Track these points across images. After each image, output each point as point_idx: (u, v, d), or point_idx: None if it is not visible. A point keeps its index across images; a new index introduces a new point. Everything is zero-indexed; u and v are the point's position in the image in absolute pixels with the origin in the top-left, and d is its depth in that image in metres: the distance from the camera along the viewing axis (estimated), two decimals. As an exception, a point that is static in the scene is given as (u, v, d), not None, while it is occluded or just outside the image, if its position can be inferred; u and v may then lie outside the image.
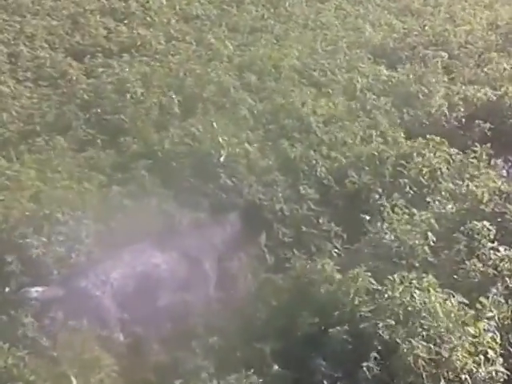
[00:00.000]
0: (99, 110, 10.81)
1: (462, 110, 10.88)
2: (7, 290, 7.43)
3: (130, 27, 13.62)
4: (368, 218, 8.38)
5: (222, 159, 9.23)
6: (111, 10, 14.40)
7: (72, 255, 7.66)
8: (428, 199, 9.01)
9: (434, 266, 7.90)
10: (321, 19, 14.40)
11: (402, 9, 15.27)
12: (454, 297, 7.25)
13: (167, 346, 7.31)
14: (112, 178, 9.33)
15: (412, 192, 9.21)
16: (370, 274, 7.43)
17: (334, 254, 8.25)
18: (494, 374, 6.54)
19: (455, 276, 7.75)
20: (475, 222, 7.86)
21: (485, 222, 7.83)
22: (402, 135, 10.05)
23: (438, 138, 9.73)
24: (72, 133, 10.32)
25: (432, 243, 7.93)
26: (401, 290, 7.11)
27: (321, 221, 8.77)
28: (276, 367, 6.97)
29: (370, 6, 15.27)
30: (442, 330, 6.82)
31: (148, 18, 14.04)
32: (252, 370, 6.84)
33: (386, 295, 7.14)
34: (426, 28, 13.63)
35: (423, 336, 6.81)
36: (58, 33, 13.42)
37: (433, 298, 7.08)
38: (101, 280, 7.23)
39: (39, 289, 7.04)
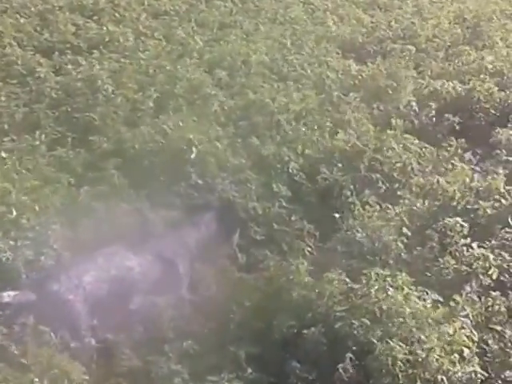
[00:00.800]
0: (69, 108, 10.43)
1: (431, 104, 10.63)
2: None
3: (98, 24, 13.21)
4: (338, 215, 8.11)
5: (192, 156, 8.90)
6: (80, 6, 13.95)
7: (41, 258, 7.29)
8: (399, 194, 8.78)
9: (408, 263, 7.68)
10: (289, 14, 14.09)
11: (370, 3, 14.99)
12: (427, 294, 7.05)
13: (140, 350, 7.00)
14: (82, 177, 8.98)
15: (384, 187, 8.97)
16: (344, 272, 7.20)
17: (307, 253, 7.95)
18: (473, 375, 6.30)
19: (428, 273, 7.54)
20: (448, 219, 7.64)
21: (457, 218, 7.62)
22: (372, 130, 9.78)
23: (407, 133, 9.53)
24: (41, 131, 9.90)
25: (405, 239, 7.70)
26: (376, 287, 6.86)
27: (293, 218, 8.47)
28: (250, 371, 6.70)
29: (338, 0, 14.99)
30: (418, 329, 6.59)
31: (117, 15, 13.62)
32: (226, 374, 6.57)
33: (360, 293, 6.90)
34: (393, 22, 13.36)
35: (399, 336, 6.58)
36: (27, 30, 12.95)
37: (407, 297, 6.86)
38: (74, 284, 6.90)
39: (11, 293, 6.70)
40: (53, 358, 6.52)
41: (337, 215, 8.21)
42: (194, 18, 13.71)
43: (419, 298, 6.96)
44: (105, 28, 12.91)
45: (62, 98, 10.71)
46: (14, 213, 7.83)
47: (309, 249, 8.03)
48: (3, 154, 9.38)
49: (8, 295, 6.65)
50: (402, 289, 6.93)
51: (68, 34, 12.84)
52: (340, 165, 9.10)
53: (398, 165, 9.10)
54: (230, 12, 14.09)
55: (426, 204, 8.18)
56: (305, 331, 6.76)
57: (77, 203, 8.39)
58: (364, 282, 6.88)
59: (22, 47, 12.38)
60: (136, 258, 7.22)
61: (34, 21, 13.39)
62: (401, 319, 6.71)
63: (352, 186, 8.91)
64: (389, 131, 9.61)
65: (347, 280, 7.08)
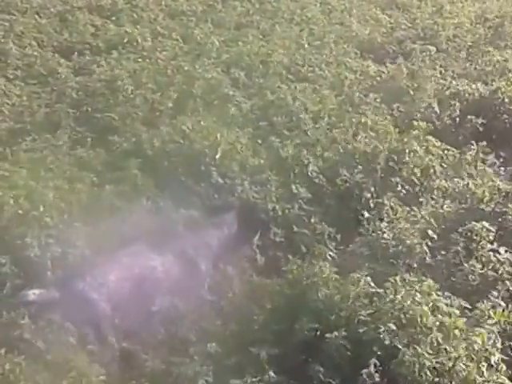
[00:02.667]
0: (89, 108, 10.26)
1: (454, 105, 10.37)
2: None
3: (117, 24, 13.05)
4: (367, 215, 7.86)
5: (217, 157, 8.68)
6: (98, 7, 13.82)
7: (66, 256, 7.13)
8: (421, 198, 8.55)
9: (432, 267, 7.44)
10: (306, 14, 13.88)
11: (388, 3, 14.75)
12: (454, 300, 6.81)
13: (162, 351, 6.82)
14: (103, 177, 8.79)
15: (404, 190, 8.74)
16: (368, 276, 6.97)
17: (329, 257, 7.72)
18: (500, 386, 6.05)
19: (453, 278, 7.30)
20: (474, 222, 7.38)
21: (484, 223, 7.35)
22: (393, 132, 9.54)
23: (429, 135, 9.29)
24: (61, 131, 9.74)
25: (430, 243, 7.46)
26: (402, 293, 6.62)
27: (313, 220, 8.25)
28: (273, 374, 6.48)
29: (356, 0, 14.76)
30: (444, 336, 6.35)
31: (135, 15, 13.47)
32: (249, 378, 6.36)
33: (387, 299, 6.65)
34: (415, 22, 13.09)
35: (425, 342, 6.34)
36: (47, 31, 12.83)
37: (434, 303, 6.63)
38: (98, 283, 6.75)
39: (36, 291, 6.56)
40: (74, 356, 6.36)
41: (365, 214, 7.92)
42: (210, 18, 13.54)
43: (446, 304, 6.72)
44: (123, 28, 12.76)
45: (82, 98, 10.55)
46: (40, 210, 7.69)
47: (330, 252, 7.79)
48: (25, 154, 9.27)
49: (33, 293, 6.53)
50: (430, 294, 6.68)
51: (87, 34, 12.71)
52: (360, 167, 8.86)
53: (420, 167, 8.82)
54: (247, 12, 13.90)
55: (451, 207, 7.92)
56: (328, 335, 6.53)
57: (100, 202, 8.20)
58: (390, 287, 6.64)
59: (42, 47, 12.25)
60: (159, 258, 7.06)
61: (53, 21, 13.26)
62: (428, 326, 6.47)
63: (372, 189, 8.67)
64: (410, 133, 9.34)
65: (372, 284, 6.84)
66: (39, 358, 6.40)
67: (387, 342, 6.30)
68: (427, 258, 7.38)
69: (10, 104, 10.37)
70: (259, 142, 9.51)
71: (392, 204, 8.16)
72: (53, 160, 9.09)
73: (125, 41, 12.44)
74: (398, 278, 6.66)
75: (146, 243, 7.12)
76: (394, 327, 6.36)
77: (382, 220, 7.73)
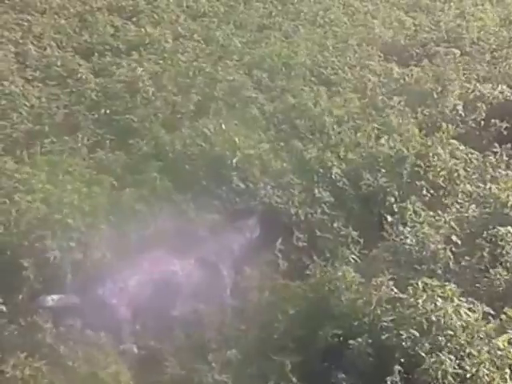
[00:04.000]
0: (108, 110, 10.35)
1: (478, 108, 10.38)
2: (21, 297, 7.05)
3: (137, 25, 13.14)
4: (390, 219, 7.88)
5: (234, 161, 8.74)
6: (118, 7, 13.95)
7: (87, 261, 7.21)
8: (446, 202, 8.57)
9: (456, 273, 7.46)
10: (329, 16, 13.91)
11: (412, 5, 14.79)
12: (477, 306, 6.83)
13: (182, 357, 6.87)
14: (123, 180, 8.86)
15: (429, 194, 8.76)
16: (390, 281, 7.01)
17: (352, 261, 7.77)
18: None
19: (477, 284, 7.32)
20: (498, 227, 7.40)
21: (509, 227, 7.37)
22: (417, 135, 9.56)
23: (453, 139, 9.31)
24: (80, 133, 9.82)
25: (454, 248, 7.49)
26: (424, 298, 6.66)
27: (335, 225, 8.29)
28: (295, 380, 6.53)
29: (379, 2, 14.79)
30: (468, 342, 6.38)
31: (155, 16, 13.57)
32: (271, 384, 6.42)
33: (408, 304, 6.70)
34: (439, 24, 13.11)
35: (448, 349, 6.37)
36: (66, 31, 12.95)
37: (457, 308, 6.65)
38: (118, 288, 6.80)
39: (55, 296, 6.62)
40: (101, 358, 6.43)
41: (389, 218, 7.94)
42: (232, 19, 13.60)
43: (469, 309, 6.75)
44: (144, 30, 12.85)
45: (102, 100, 10.60)
46: (60, 214, 7.78)
47: (353, 256, 7.83)
48: (44, 156, 9.37)
49: (52, 299, 6.59)
50: (452, 300, 6.71)
51: (107, 35, 12.79)
52: (384, 170, 8.89)
53: (444, 171, 8.84)
54: (269, 14, 13.96)
55: (476, 212, 7.94)
56: (351, 341, 6.57)
57: (120, 206, 8.27)
58: (411, 292, 6.67)
59: (62, 48, 12.36)
60: (180, 263, 7.10)
61: (73, 22, 13.38)
62: (450, 331, 6.50)
63: (396, 193, 8.70)
64: (434, 136, 9.37)
65: (394, 289, 6.87)
66: (59, 364, 6.46)
67: (409, 349, 6.34)
68: (451, 264, 7.39)
69: (28, 106, 10.44)
70: (281, 145, 9.57)
71: (416, 208, 8.18)
72: (72, 163, 9.17)
73: (146, 42, 12.53)
74: (419, 283, 6.68)
75: (167, 247, 7.16)
76: (417, 333, 6.39)
77: (405, 224, 7.75)
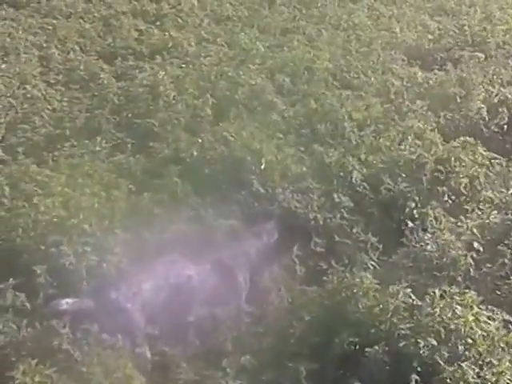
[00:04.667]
0: (129, 114, 10.32)
1: (502, 112, 10.19)
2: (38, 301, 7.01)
3: (161, 29, 13.13)
4: (410, 225, 7.73)
5: (262, 167, 8.64)
6: (143, 12, 13.95)
7: (103, 265, 7.15)
8: (467, 208, 8.40)
9: (476, 280, 7.30)
10: (353, 20, 13.78)
11: (437, 9, 14.61)
12: (497, 314, 6.67)
13: (197, 363, 6.78)
14: (142, 184, 8.81)
15: (450, 200, 8.59)
16: (409, 288, 6.86)
17: (370, 267, 7.63)
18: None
19: (498, 292, 7.16)
20: (521, 235, 7.24)
21: (532, 235, 7.21)
22: (440, 140, 9.39)
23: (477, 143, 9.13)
24: (101, 137, 9.78)
25: (475, 255, 7.32)
26: (442, 305, 6.51)
27: (355, 230, 8.15)
28: (310, 388, 6.42)
29: (404, 6, 14.64)
30: (488, 351, 6.22)
31: (179, 20, 13.55)
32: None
33: (426, 312, 6.55)
34: (464, 28, 12.92)
35: (467, 357, 6.22)
36: (90, 35, 12.97)
37: (476, 316, 6.50)
38: (132, 292, 6.72)
39: (69, 300, 6.55)
40: (115, 363, 6.36)
41: (409, 224, 7.79)
42: (256, 23, 13.53)
43: (489, 318, 6.59)
44: (167, 33, 12.82)
45: (123, 104, 10.58)
46: (77, 217, 7.75)
47: (372, 262, 7.69)
48: (64, 160, 9.34)
49: (66, 302, 6.50)
50: (471, 308, 6.55)
51: (131, 39, 12.80)
52: (404, 175, 8.74)
53: (466, 177, 8.67)
54: (293, 18, 13.88)
55: (498, 218, 7.76)
56: (367, 349, 6.44)
57: (138, 210, 8.22)
58: (429, 300, 6.52)
59: (85, 52, 12.37)
60: (195, 267, 7.01)
61: (97, 26, 13.40)
62: (469, 340, 6.35)
63: (417, 198, 8.54)
64: (457, 141, 9.20)
65: (412, 296, 6.73)
66: (72, 368, 6.39)
67: (427, 358, 6.20)
68: (471, 271, 7.23)
69: (50, 109, 10.46)
70: (302, 149, 9.46)
71: (436, 214, 8.02)
72: (91, 166, 9.13)
73: (169, 46, 12.51)
74: (437, 291, 6.54)
75: (183, 252, 7.08)
76: (435, 342, 6.25)
77: (425, 231, 7.60)
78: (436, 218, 7.70)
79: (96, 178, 8.87)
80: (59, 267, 7.14)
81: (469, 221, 7.65)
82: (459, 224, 7.60)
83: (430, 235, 7.45)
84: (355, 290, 6.75)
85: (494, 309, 6.75)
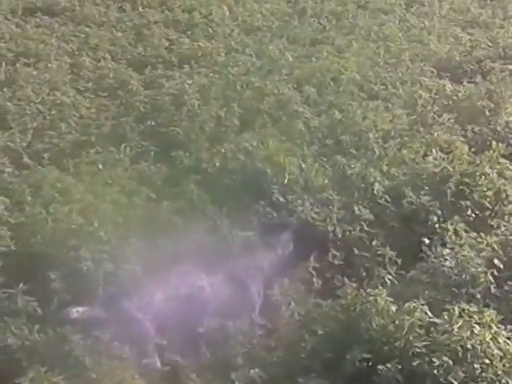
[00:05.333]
0: (154, 122, 10.20)
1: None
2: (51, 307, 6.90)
3: (192, 39, 13.02)
4: (427, 241, 7.45)
5: (285, 181, 8.45)
6: (174, 21, 13.84)
7: (115, 274, 7.01)
8: (492, 223, 8.09)
9: (497, 298, 7.00)
10: (384, 31, 13.52)
11: (469, 21, 14.26)
12: (518, 333, 6.37)
13: (206, 374, 6.59)
14: (161, 192, 8.66)
15: (474, 215, 8.28)
16: (426, 305, 6.59)
17: (388, 281, 7.36)
18: None
19: (520, 311, 6.86)
20: (546, 252, 6.92)
21: (556, 252, 6.89)
22: (465, 153, 9.10)
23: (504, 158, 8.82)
24: (125, 144, 9.67)
25: (496, 272, 7.02)
26: (460, 324, 6.23)
27: (374, 243, 7.89)
28: (320, 405, 6.18)
29: (436, 18, 14.33)
30: (505, 372, 5.93)
31: (210, 30, 13.42)
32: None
33: (442, 329, 6.27)
34: (496, 41, 12.59)
35: (483, 378, 5.93)
36: (122, 44, 12.90)
37: (495, 336, 6.21)
38: (144, 302, 6.56)
39: (80, 309, 6.41)
40: (123, 373, 6.21)
41: (426, 241, 7.52)
42: (286, 34, 13.35)
43: (508, 338, 6.29)
44: (197, 43, 12.71)
45: (149, 112, 10.48)
46: (93, 225, 7.63)
47: (389, 277, 7.42)
48: (87, 166, 9.25)
49: (77, 311, 6.37)
50: (490, 327, 6.26)
51: (161, 48, 12.69)
52: (427, 188, 8.45)
53: (491, 191, 8.36)
54: (323, 28, 13.66)
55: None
56: (380, 366, 6.18)
57: (155, 219, 8.08)
58: (446, 317, 6.25)
59: (116, 61, 12.29)
60: (208, 278, 6.82)
61: (129, 35, 13.32)
62: (486, 360, 6.06)
63: (440, 212, 8.24)
64: (483, 155, 8.89)
65: (429, 313, 6.45)
66: (82, 376, 6.26)
67: (441, 377, 5.93)
68: (492, 288, 6.93)
69: (77, 116, 10.39)
70: (324, 159, 9.25)
71: (458, 229, 7.72)
72: (113, 174, 9.02)
73: (198, 55, 12.39)
74: (455, 308, 6.26)
75: (197, 262, 6.89)
76: (450, 361, 5.98)
77: (444, 246, 7.31)
78: (456, 233, 7.38)
79: (116, 185, 8.76)
80: (73, 274, 7.00)
81: (489, 237, 7.32)
82: (479, 240, 7.27)
83: (448, 250, 7.13)
84: (368, 306, 6.48)
85: (516, 328, 6.45)
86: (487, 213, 8.37)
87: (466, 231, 7.67)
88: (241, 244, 7.54)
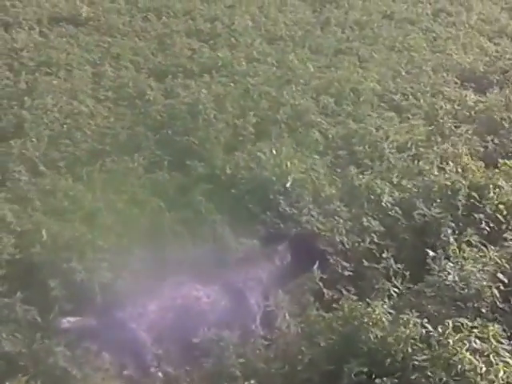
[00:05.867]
0: (170, 131, 10.29)
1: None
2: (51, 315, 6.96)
3: (213, 48, 13.12)
4: (432, 254, 7.40)
5: (288, 185, 8.48)
6: (197, 31, 13.97)
7: (110, 283, 7.08)
8: (505, 236, 8.00)
9: (506, 312, 6.93)
10: (409, 41, 13.49)
11: (497, 31, 14.19)
12: (521, 350, 6.29)
13: (201, 384, 6.62)
14: (171, 201, 8.73)
15: (488, 228, 8.20)
16: (427, 318, 6.54)
17: (393, 294, 7.32)
18: None
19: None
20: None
21: None
22: (481, 165, 9.02)
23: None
24: (139, 153, 9.76)
25: (502, 287, 6.95)
26: (456, 338, 6.18)
27: (384, 255, 7.85)
28: (316, 417, 6.16)
29: (463, 28, 14.25)
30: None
31: (232, 39, 13.51)
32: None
33: (440, 343, 6.23)
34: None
35: (480, 394, 5.88)
36: (144, 53, 13.04)
37: (495, 351, 6.14)
38: (138, 312, 6.59)
39: (71, 319, 6.47)
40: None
41: (430, 253, 7.46)
42: (308, 43, 13.38)
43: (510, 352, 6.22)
44: (218, 53, 12.80)
45: (166, 121, 10.57)
46: (95, 234, 7.73)
47: (395, 289, 7.38)
48: (100, 175, 9.36)
49: (68, 321, 6.43)
50: (490, 342, 6.20)
51: (182, 57, 12.80)
52: (439, 200, 8.40)
53: (505, 203, 8.27)
54: (347, 38, 13.67)
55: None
56: (377, 380, 6.16)
57: (158, 228, 8.14)
58: (441, 331, 6.21)
59: (138, 70, 12.41)
60: (204, 288, 6.84)
61: (151, 44, 13.47)
62: (486, 376, 6.00)
63: (453, 224, 8.18)
64: (498, 167, 8.82)
65: (429, 327, 6.41)
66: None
67: (437, 392, 5.89)
68: (499, 303, 6.86)
69: (94, 125, 10.51)
70: (338, 170, 9.25)
71: (467, 242, 7.65)
72: (126, 182, 9.12)
73: (219, 65, 12.47)
74: (450, 322, 6.22)
75: (193, 273, 6.92)
76: (445, 376, 5.93)
77: (448, 259, 7.25)
78: (460, 247, 7.32)
79: (127, 194, 8.85)
80: (68, 283, 7.08)
81: (494, 250, 7.25)
82: (485, 254, 7.19)
83: (452, 264, 7.07)
84: (366, 319, 6.46)
85: (520, 344, 6.37)
86: (503, 226, 8.26)
87: (475, 246, 7.58)
88: (241, 254, 7.56)
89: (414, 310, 6.71)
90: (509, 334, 6.60)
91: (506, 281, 6.90)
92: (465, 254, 7.10)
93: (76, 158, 9.89)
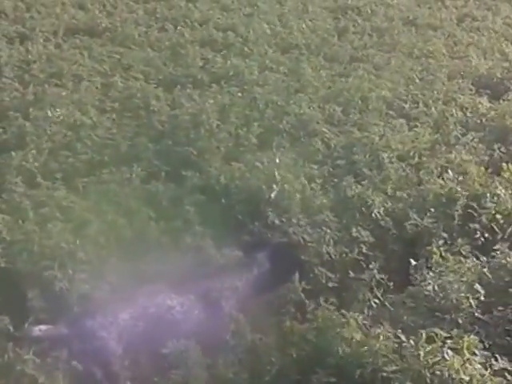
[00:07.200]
0: (170, 142, 10.59)
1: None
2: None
3: (226, 58, 13.42)
4: (414, 263, 7.53)
5: (272, 195, 8.71)
6: (210, 40, 14.30)
7: (84, 294, 7.39)
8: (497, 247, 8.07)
9: (486, 324, 7.01)
10: (428, 47, 13.61)
11: (523, 36, 14.25)
12: (496, 361, 6.39)
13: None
14: (161, 212, 9.00)
15: (483, 238, 8.29)
16: (401, 329, 6.68)
17: (373, 305, 7.46)
18: None
19: (508, 338, 6.85)
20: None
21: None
22: (482, 174, 9.09)
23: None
24: (137, 164, 10.06)
25: (482, 298, 7.04)
26: (428, 349, 6.31)
27: (371, 266, 7.99)
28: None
29: (486, 33, 14.30)
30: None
31: (246, 49, 13.80)
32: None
33: (411, 355, 6.36)
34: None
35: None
36: (155, 64, 13.40)
37: (466, 362, 6.25)
38: (108, 321, 6.86)
39: (43, 327, 6.75)
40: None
41: (412, 262, 7.59)
42: (324, 51, 13.60)
43: (484, 364, 6.32)
44: (229, 62, 13.09)
45: (168, 132, 10.87)
46: (76, 244, 8.05)
47: (376, 300, 7.52)
48: (96, 186, 9.69)
49: (39, 329, 6.68)
50: (463, 353, 6.31)
51: (194, 67, 13.11)
52: (433, 210, 8.51)
53: (500, 214, 8.35)
54: (364, 45, 13.84)
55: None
56: (346, 392, 6.33)
57: (146, 238, 8.43)
58: (413, 342, 6.34)
59: (147, 80, 12.75)
60: (177, 298, 7.07)
61: (164, 54, 13.84)
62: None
63: (446, 235, 8.29)
64: (497, 176, 8.89)
65: (403, 338, 6.54)
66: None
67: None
68: (477, 314, 6.95)
69: (95, 136, 10.83)
70: (335, 180, 9.43)
71: (462, 251, 7.76)
72: (121, 193, 9.41)
73: (230, 74, 12.75)
74: (423, 333, 6.34)
75: (171, 282, 7.16)
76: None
77: (430, 269, 7.37)
78: (443, 256, 7.42)
79: (119, 204, 9.14)
80: (47, 292, 7.39)
81: (471, 262, 7.35)
82: (458, 265, 7.28)
83: (432, 274, 7.19)
84: (338, 330, 6.64)
85: (497, 355, 6.46)
86: (498, 236, 8.33)
87: (462, 255, 7.69)
88: (220, 265, 7.79)
89: (390, 321, 6.86)
90: (487, 346, 6.67)
91: (483, 292, 6.95)
92: (448, 264, 7.19)
93: (74, 169, 10.22)
